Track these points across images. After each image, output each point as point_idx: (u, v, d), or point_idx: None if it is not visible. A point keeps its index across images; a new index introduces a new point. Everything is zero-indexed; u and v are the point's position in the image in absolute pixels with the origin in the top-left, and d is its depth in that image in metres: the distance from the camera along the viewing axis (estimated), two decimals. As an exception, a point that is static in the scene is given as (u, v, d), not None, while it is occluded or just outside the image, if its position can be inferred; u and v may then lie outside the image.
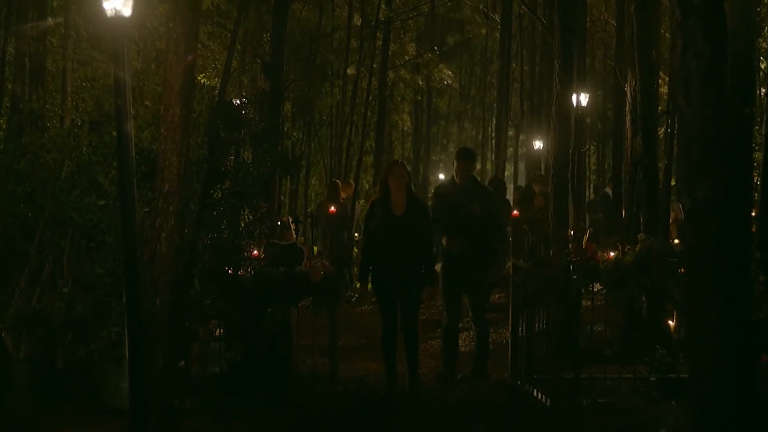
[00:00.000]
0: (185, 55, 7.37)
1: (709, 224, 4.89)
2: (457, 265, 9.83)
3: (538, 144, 24.94)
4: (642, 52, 10.90)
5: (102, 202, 8.69)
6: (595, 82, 28.86)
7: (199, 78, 11.19)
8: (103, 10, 6.72)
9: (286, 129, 16.96)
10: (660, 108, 14.06)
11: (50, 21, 10.75)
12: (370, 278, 10.02)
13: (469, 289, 10.08)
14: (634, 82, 11.90)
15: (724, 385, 5.08)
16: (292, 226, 12.65)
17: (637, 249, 9.03)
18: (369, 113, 27.79)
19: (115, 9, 6.69)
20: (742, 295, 5.14)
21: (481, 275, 9.96)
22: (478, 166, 42.44)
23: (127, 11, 6.74)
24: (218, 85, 9.41)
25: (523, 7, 29.10)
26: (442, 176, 46.96)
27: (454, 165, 10.18)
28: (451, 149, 50.17)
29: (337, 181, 18.75)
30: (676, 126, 18.50)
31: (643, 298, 10.72)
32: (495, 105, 33.47)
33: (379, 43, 27.51)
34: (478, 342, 10.11)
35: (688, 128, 4.93)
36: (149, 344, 7.34)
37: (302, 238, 15.39)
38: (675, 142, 17.50)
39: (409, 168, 42.55)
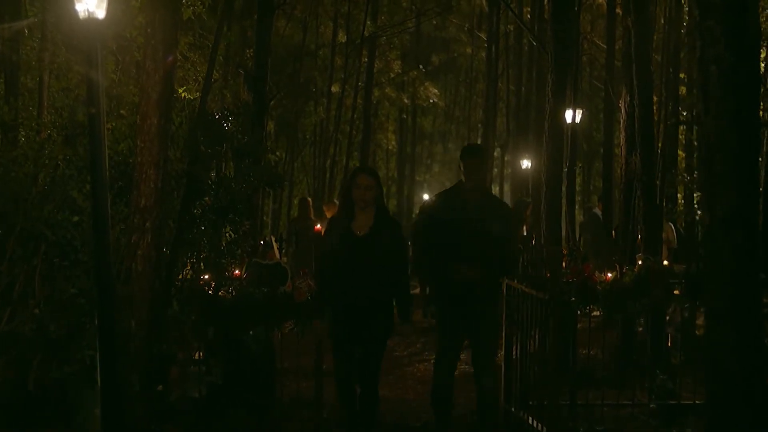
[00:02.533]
0: (163, 61, 7.01)
1: (731, 240, 4.53)
2: (464, 303, 7.77)
3: (525, 163, 24.66)
4: (640, 65, 10.58)
5: (76, 219, 8.32)
6: (581, 101, 28.67)
7: (180, 91, 10.82)
8: (75, 12, 6.33)
9: (269, 146, 16.63)
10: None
11: (25, 26, 10.33)
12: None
13: (475, 333, 7.93)
14: (628, 98, 11.61)
15: (746, 409, 4.72)
16: (276, 246, 12.28)
17: (636, 269, 8.68)
18: (353, 132, 27.56)
19: (88, 11, 6.32)
20: (759, 315, 4.82)
21: (493, 314, 8.04)
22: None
23: (101, 13, 6.36)
24: (199, 97, 9.02)
25: (509, 26, 29.05)
26: (426, 196, 46.77)
27: (462, 167, 7.94)
28: (436, 169, 50.07)
29: (308, 198, 18.42)
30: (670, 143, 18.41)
31: (639, 320, 10.42)
32: (480, 125, 33.41)
33: (365, 59, 27.34)
34: (484, 400, 8.10)
35: (708, 138, 4.58)
36: (124, 368, 7.00)
37: (285, 258, 15.05)
38: (663, 160, 17.35)
39: (393, 188, 42.45)
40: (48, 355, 8.18)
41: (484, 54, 31.42)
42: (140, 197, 7.18)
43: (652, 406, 8.85)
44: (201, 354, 8.91)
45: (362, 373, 7.63)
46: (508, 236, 8.03)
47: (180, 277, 8.79)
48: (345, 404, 7.81)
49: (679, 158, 20.98)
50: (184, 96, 10.78)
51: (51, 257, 8.39)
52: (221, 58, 16.04)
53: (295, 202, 32.15)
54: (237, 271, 9.55)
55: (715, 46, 4.56)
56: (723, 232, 4.56)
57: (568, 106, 12.31)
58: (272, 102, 18.36)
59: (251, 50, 17.08)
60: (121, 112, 9.31)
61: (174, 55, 7.28)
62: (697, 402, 8.75)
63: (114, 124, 9.00)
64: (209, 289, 8.76)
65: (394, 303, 7.63)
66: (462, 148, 8.35)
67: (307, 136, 32.90)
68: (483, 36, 31.03)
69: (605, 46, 20.15)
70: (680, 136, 21.25)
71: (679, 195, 21.07)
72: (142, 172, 7.18)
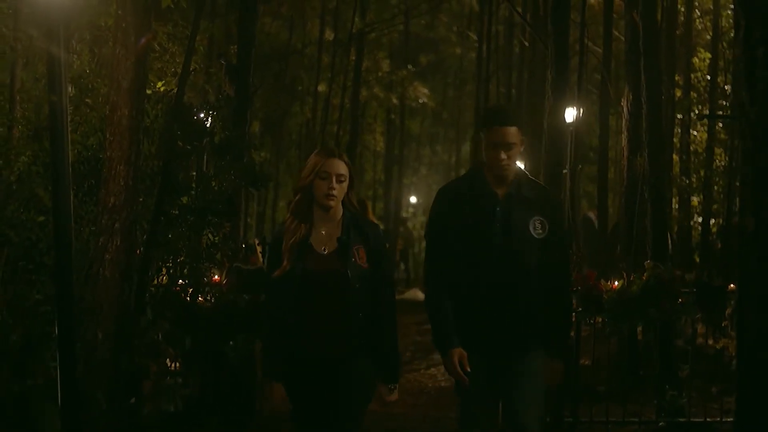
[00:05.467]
0: (135, 46, 6.42)
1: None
2: (490, 344, 5.06)
3: (519, 166, 24.16)
4: (648, 59, 10.05)
5: (41, 219, 7.81)
6: (572, 103, 28.31)
7: (158, 85, 10.24)
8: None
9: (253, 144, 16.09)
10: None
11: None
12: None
13: (509, 389, 5.07)
14: (631, 96, 11.10)
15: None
16: (259, 249, 11.75)
17: (644, 278, 8.14)
18: (340, 132, 27.16)
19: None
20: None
21: (535, 362, 5.07)
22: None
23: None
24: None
25: (498, 26, 28.60)
26: (413, 199, 46.21)
27: (483, 142, 5.06)
28: (423, 172, 49.57)
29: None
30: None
31: (638, 329, 9.95)
32: (471, 127, 32.97)
33: (352, 58, 26.98)
34: None
35: (753, 130, 4.01)
36: (89, 384, 6.43)
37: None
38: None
39: (380, 191, 42.00)
40: (9, 366, 7.69)
41: (473, 55, 31.09)
42: (109, 196, 6.60)
43: (661, 424, 8.36)
44: (177, 365, 8.48)
45: None
46: (559, 239, 5.22)
47: (155, 282, 8.29)
48: None
49: (674, 162, 20.54)
50: (162, 90, 10.20)
51: (14, 260, 7.87)
52: (201, 48, 15.50)
53: (281, 204, 31.78)
54: (216, 277, 9.07)
55: (762, 26, 4.00)
56: (769, 240, 3.98)
57: (570, 104, 11.67)
58: (256, 98, 17.89)
59: (236, 46, 16.64)
60: (87, 101, 8.73)
61: (147, 40, 6.69)
62: (708, 420, 8.29)
63: (84, 117, 8.46)
64: (186, 296, 8.37)
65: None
66: (484, 110, 5.52)
67: (293, 137, 32.52)
68: (473, 35, 30.65)
69: (598, 48, 19.77)
70: (674, 140, 20.84)
71: (674, 200, 20.62)
72: (111, 168, 6.60)
